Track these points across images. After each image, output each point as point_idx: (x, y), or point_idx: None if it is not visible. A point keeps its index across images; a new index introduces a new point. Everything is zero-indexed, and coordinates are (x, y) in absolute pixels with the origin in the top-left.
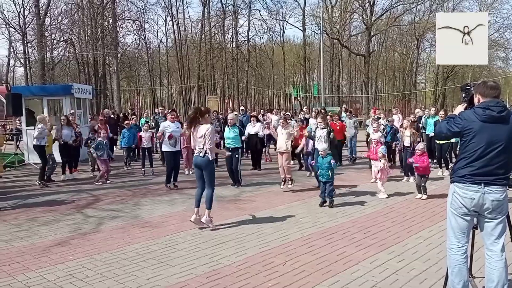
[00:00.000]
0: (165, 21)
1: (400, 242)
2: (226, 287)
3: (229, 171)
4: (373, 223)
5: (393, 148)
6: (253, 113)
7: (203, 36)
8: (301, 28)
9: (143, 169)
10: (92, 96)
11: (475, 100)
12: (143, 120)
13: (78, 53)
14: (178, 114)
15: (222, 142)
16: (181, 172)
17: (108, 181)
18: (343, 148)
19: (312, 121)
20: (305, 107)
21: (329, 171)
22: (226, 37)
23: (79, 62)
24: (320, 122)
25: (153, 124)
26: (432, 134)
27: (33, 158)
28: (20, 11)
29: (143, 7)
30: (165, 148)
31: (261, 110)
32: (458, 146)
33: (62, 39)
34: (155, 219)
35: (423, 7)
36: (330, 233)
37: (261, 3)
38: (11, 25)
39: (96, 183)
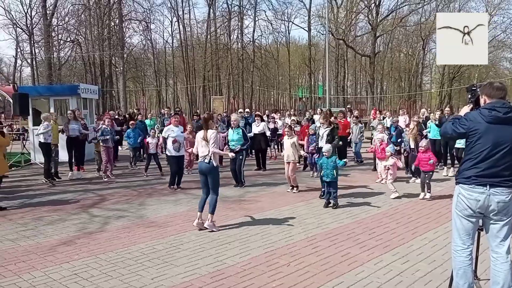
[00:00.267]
0: (171, 21)
1: (405, 244)
2: (230, 287)
3: (232, 171)
4: (378, 224)
5: (401, 151)
6: (257, 113)
7: (208, 36)
8: (307, 28)
9: (145, 173)
10: (98, 96)
11: (481, 101)
12: (148, 122)
13: (85, 53)
14: (184, 115)
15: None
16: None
17: (112, 177)
18: (347, 149)
19: (316, 117)
20: (307, 112)
21: (334, 170)
22: (231, 38)
23: (86, 63)
24: (322, 123)
25: (159, 125)
26: (436, 138)
27: (39, 158)
28: (27, 12)
29: (149, 7)
30: (169, 152)
31: (266, 111)
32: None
33: (68, 39)
34: (160, 219)
35: (429, 7)
36: (334, 234)
37: (267, 4)
38: (18, 25)
39: (104, 179)
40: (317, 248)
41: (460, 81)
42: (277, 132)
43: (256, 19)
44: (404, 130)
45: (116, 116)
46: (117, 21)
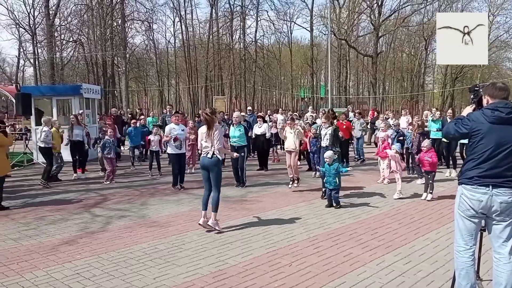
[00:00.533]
0: (174, 21)
1: (407, 244)
2: (232, 287)
3: (234, 170)
4: (380, 225)
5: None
6: (259, 114)
7: (211, 36)
8: (309, 28)
9: (150, 171)
10: (100, 96)
11: (484, 102)
12: (150, 119)
13: (87, 53)
14: (186, 115)
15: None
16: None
17: (113, 181)
18: (349, 149)
19: (319, 121)
20: (310, 107)
21: (336, 178)
22: (233, 38)
23: (88, 63)
24: (324, 122)
25: (161, 123)
26: (435, 137)
27: (42, 158)
28: (30, 12)
29: (152, 8)
30: (170, 150)
31: (268, 111)
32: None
33: (71, 39)
34: (162, 218)
35: (432, 7)
36: (336, 234)
37: (269, 4)
38: (21, 25)
39: (105, 183)
40: (319, 248)
41: (462, 82)
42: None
43: (258, 19)
44: (407, 129)
45: (118, 114)
46: (119, 21)
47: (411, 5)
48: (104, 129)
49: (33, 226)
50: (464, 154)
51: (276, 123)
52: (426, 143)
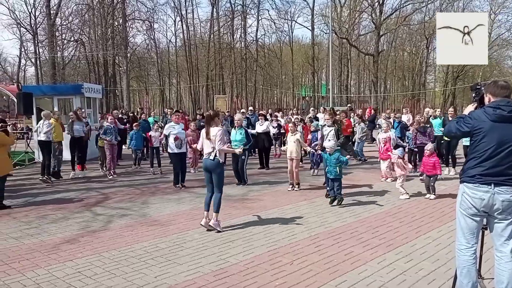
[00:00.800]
0: (175, 21)
1: (408, 243)
2: (233, 285)
3: (234, 171)
4: (381, 223)
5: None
6: (261, 112)
7: (212, 36)
8: (310, 27)
9: (151, 169)
10: (102, 95)
11: (486, 100)
12: (151, 119)
13: (88, 53)
14: (187, 115)
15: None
16: (186, 173)
17: (115, 175)
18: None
19: (320, 116)
20: (311, 109)
21: (337, 167)
22: (234, 37)
23: (89, 62)
24: (327, 119)
25: (162, 124)
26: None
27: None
28: (31, 11)
29: (153, 7)
30: (170, 149)
31: (269, 110)
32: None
33: (72, 39)
34: (163, 217)
35: (433, 6)
36: (337, 233)
37: (270, 3)
38: (22, 25)
39: (109, 176)
40: (320, 247)
41: (464, 80)
42: (281, 130)
43: (259, 18)
44: (408, 127)
45: (120, 115)
46: (120, 21)
47: (412, 3)
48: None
49: (34, 224)
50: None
51: (276, 117)
52: (429, 147)
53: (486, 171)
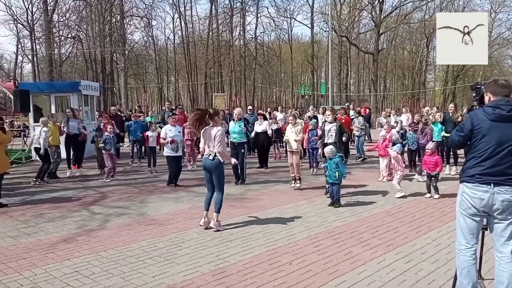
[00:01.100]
0: (173, 18)
1: (408, 243)
2: (231, 285)
3: (233, 167)
4: (381, 223)
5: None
6: (260, 111)
7: (210, 33)
8: (309, 25)
9: (149, 168)
10: (99, 93)
11: (486, 99)
12: (148, 119)
13: (86, 50)
14: (186, 112)
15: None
16: (184, 170)
17: (114, 178)
18: (349, 146)
19: (320, 117)
20: (311, 107)
21: (336, 172)
22: (233, 35)
23: (87, 59)
24: (328, 115)
25: (159, 119)
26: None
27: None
28: (28, 8)
29: (151, 4)
30: (166, 153)
31: (268, 109)
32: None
33: (70, 35)
34: (161, 216)
35: (433, 4)
36: (337, 232)
37: (269, 0)
38: (19, 21)
39: (105, 180)
40: (319, 246)
41: (464, 79)
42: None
43: (259, 15)
44: (408, 130)
45: (118, 112)
46: (118, 18)
47: (413, 2)
48: (101, 127)
49: (31, 223)
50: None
51: (276, 119)
52: (430, 146)
53: (486, 171)
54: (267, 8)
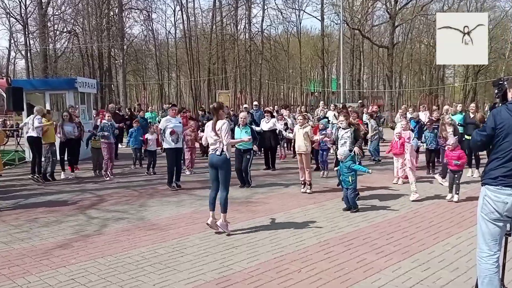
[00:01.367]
0: (174, 10)
1: (425, 250)
2: None
3: (237, 171)
4: (396, 229)
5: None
6: (267, 108)
7: (214, 27)
8: (319, 17)
9: (147, 171)
10: (96, 90)
11: (509, 95)
12: (148, 114)
13: (82, 44)
14: (186, 110)
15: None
16: (184, 175)
17: (111, 176)
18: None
19: (330, 113)
20: (321, 102)
21: (349, 176)
22: (238, 28)
23: (83, 55)
24: (341, 121)
25: (160, 118)
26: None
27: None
28: (21, 0)
29: None
30: (166, 145)
31: (275, 106)
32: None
33: (65, 30)
34: (162, 221)
35: None
36: (349, 238)
37: None
38: (12, 14)
39: (106, 178)
40: (330, 253)
41: (486, 75)
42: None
43: (265, 7)
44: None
45: (117, 111)
46: (116, 11)
47: None
48: (97, 124)
49: (25, 228)
50: None
51: (282, 116)
52: (452, 141)
53: (510, 173)
54: (274, 0)
